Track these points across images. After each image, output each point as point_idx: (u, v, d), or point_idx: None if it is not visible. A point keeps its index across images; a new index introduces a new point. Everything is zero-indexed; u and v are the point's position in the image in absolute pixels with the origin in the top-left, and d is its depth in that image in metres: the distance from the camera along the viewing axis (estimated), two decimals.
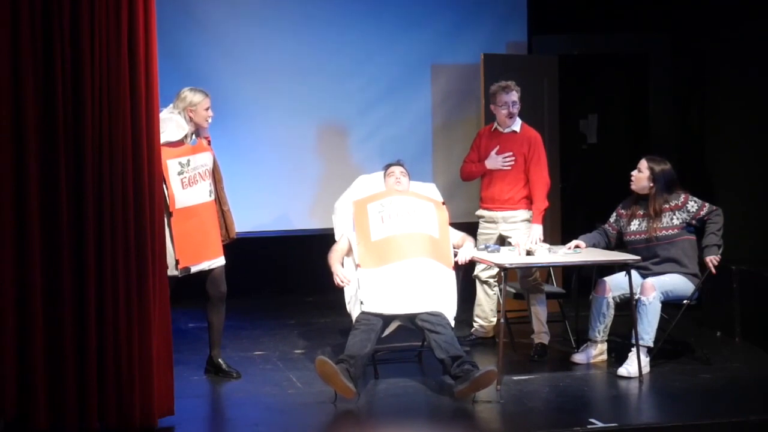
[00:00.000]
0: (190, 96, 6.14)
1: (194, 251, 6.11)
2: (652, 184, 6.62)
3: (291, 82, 8.50)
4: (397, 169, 6.57)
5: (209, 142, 6.31)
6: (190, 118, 6.13)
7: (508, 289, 6.72)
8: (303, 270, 8.67)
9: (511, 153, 6.95)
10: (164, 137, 5.94)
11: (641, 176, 6.66)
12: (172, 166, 6.00)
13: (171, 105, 6.13)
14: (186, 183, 6.07)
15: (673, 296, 6.54)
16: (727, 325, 7.45)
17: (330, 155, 8.64)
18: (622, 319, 6.69)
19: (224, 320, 6.37)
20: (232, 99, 8.28)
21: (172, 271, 5.99)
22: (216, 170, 6.32)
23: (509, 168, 6.95)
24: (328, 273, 6.25)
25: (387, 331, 6.13)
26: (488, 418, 5.66)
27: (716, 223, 6.54)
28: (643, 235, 6.63)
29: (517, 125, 7.01)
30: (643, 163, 6.67)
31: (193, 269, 6.13)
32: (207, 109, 6.17)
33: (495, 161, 6.97)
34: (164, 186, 5.93)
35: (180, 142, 6.09)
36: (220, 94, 7.92)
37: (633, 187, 6.70)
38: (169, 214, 5.98)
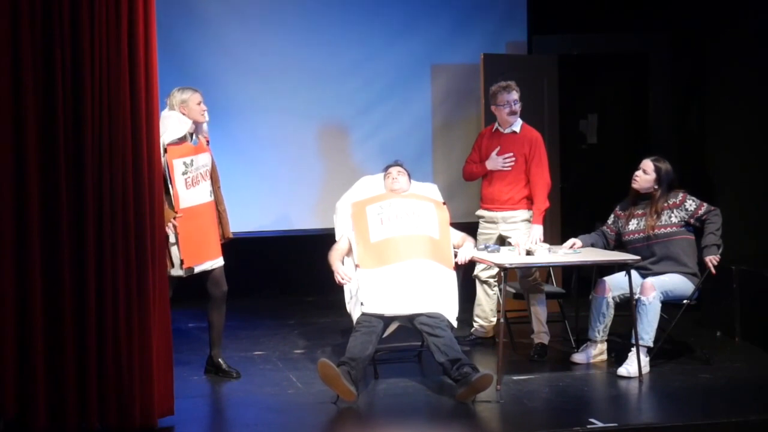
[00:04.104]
0: (179, 95, 6.14)
1: (198, 251, 6.11)
2: (657, 186, 6.62)
3: (291, 82, 8.50)
4: (394, 170, 6.57)
5: (208, 143, 6.31)
6: (184, 114, 6.13)
7: (508, 289, 6.72)
8: (303, 270, 8.67)
9: (511, 154, 6.95)
10: (169, 135, 5.95)
11: (648, 178, 6.64)
12: (177, 166, 6.00)
13: (166, 108, 6.12)
14: (189, 183, 6.07)
15: (673, 296, 6.54)
16: (727, 325, 7.45)
17: (330, 155, 8.65)
18: (622, 319, 6.69)
19: (225, 320, 6.38)
20: (232, 99, 8.29)
21: (177, 271, 6.00)
22: (214, 171, 6.32)
23: (509, 169, 6.95)
24: (329, 273, 6.25)
25: (387, 332, 6.13)
26: (488, 418, 5.66)
27: (715, 223, 6.54)
28: (641, 234, 6.63)
29: (517, 125, 7.01)
30: (649, 165, 6.65)
31: (197, 269, 6.13)
32: (199, 104, 6.16)
33: (495, 162, 6.97)
34: (170, 186, 5.94)
35: (183, 141, 6.08)
36: (220, 94, 7.96)
37: (635, 186, 6.69)
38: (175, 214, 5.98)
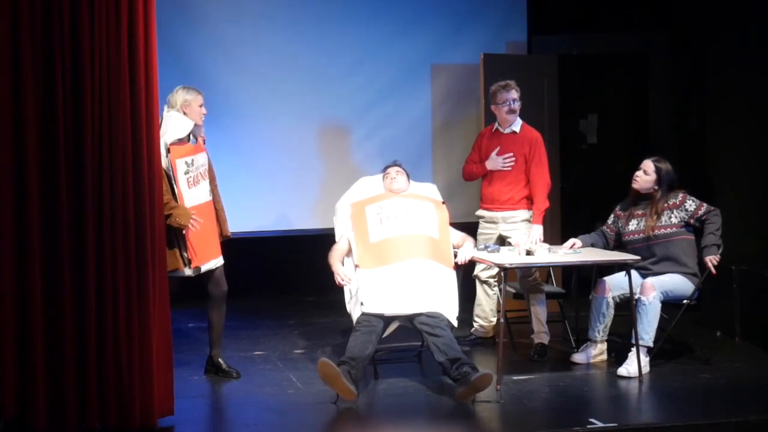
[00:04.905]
0: (183, 94, 6.14)
1: (204, 250, 6.12)
2: (657, 187, 6.62)
3: (291, 82, 8.51)
4: (392, 170, 6.57)
5: (204, 142, 6.31)
6: (185, 114, 6.13)
7: (508, 289, 6.72)
8: (303, 270, 8.67)
9: (511, 154, 6.95)
10: (172, 135, 5.95)
11: (648, 178, 6.64)
12: (179, 165, 6.00)
13: (165, 106, 6.12)
14: (191, 182, 6.08)
15: (673, 296, 6.54)
16: (727, 325, 7.45)
17: (330, 155, 8.65)
18: (622, 319, 6.69)
19: (225, 320, 6.38)
20: (231, 99, 8.29)
21: (187, 271, 6.01)
22: (210, 169, 6.32)
23: (509, 169, 6.95)
24: (329, 273, 6.25)
25: (387, 332, 6.13)
26: (488, 418, 5.66)
27: (714, 223, 6.54)
28: (641, 234, 6.63)
29: (517, 125, 7.01)
30: (649, 165, 6.65)
31: (203, 268, 6.13)
32: (201, 106, 6.18)
33: (495, 162, 6.97)
34: (174, 185, 5.94)
35: (184, 141, 6.09)
36: (220, 94, 7.96)
37: (635, 186, 6.69)
38: None
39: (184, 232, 5.95)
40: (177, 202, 5.94)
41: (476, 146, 7.16)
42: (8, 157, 5.01)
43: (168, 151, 5.92)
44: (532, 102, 7.79)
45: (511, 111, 6.95)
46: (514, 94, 6.93)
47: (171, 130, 5.96)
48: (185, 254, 6.00)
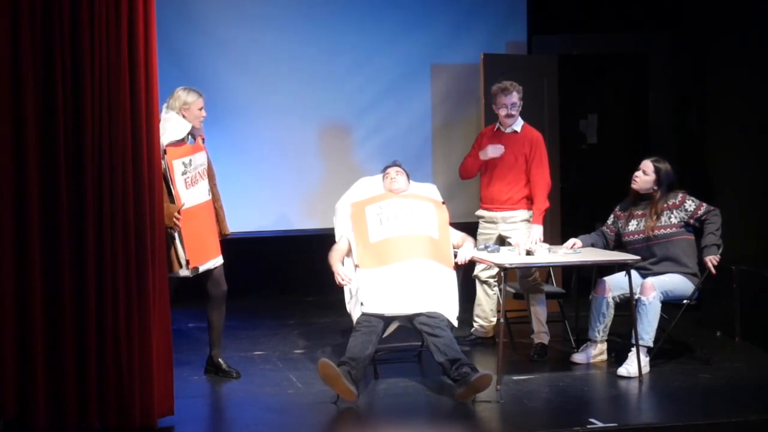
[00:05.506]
0: (183, 95, 6.13)
1: (201, 250, 6.11)
2: (656, 187, 6.62)
3: (291, 82, 8.51)
4: (392, 170, 6.57)
5: (203, 141, 6.31)
6: (184, 116, 6.13)
7: (508, 289, 6.72)
8: (303, 270, 8.68)
9: (501, 146, 6.94)
10: (168, 137, 5.95)
11: (647, 179, 6.64)
12: (177, 166, 6.00)
13: (164, 105, 6.11)
14: (189, 183, 6.07)
15: (673, 296, 6.54)
16: (727, 325, 7.46)
17: (330, 155, 8.65)
18: (622, 319, 6.69)
19: (224, 320, 6.38)
20: (231, 99, 8.29)
21: (183, 272, 6.00)
22: (210, 168, 6.32)
23: (499, 156, 6.93)
24: (328, 273, 6.25)
25: (387, 332, 6.13)
26: (488, 418, 5.66)
27: (714, 223, 6.54)
28: (641, 235, 6.63)
29: (518, 125, 7.01)
30: (649, 166, 6.65)
31: (201, 268, 6.13)
32: (200, 109, 6.17)
33: (486, 152, 6.95)
34: (171, 186, 5.93)
35: (182, 142, 6.09)
36: (219, 94, 7.96)
37: (635, 186, 6.69)
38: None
39: (172, 224, 5.92)
40: (174, 203, 5.94)
41: (476, 145, 7.14)
42: (8, 157, 5.01)
43: (164, 152, 5.91)
44: (532, 102, 7.79)
45: (509, 116, 6.94)
46: (514, 98, 6.90)
47: (168, 132, 5.96)
48: (182, 255, 5.99)
